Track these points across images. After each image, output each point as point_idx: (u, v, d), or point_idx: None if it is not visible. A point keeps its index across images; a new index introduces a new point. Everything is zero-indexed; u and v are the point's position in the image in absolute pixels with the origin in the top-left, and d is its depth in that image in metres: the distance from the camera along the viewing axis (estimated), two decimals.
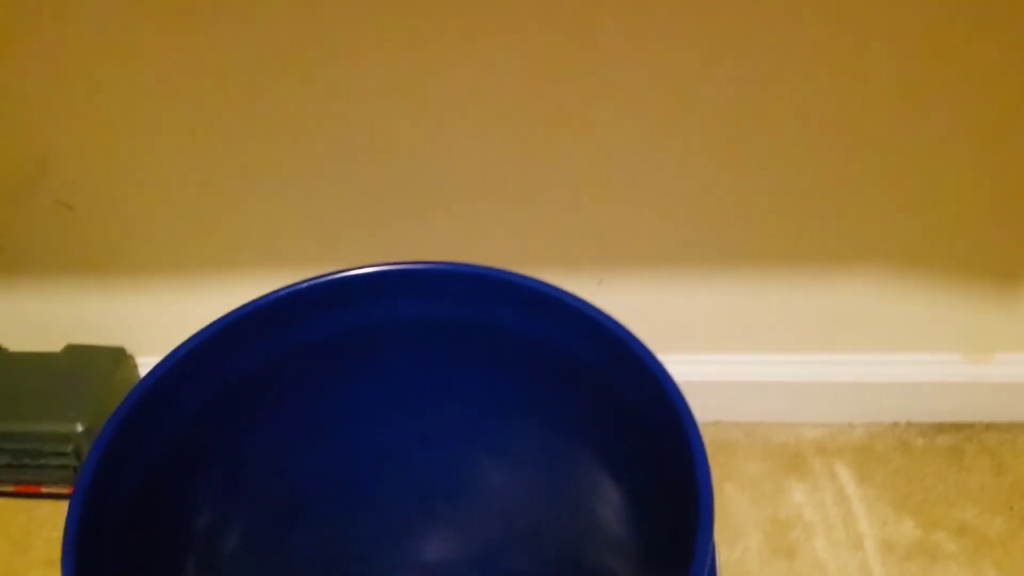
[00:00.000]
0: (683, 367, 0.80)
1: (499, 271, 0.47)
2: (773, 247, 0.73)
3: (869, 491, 0.78)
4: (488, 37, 0.61)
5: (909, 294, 0.75)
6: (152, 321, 0.80)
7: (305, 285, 0.47)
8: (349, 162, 0.68)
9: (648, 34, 0.60)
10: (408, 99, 0.64)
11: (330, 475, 0.56)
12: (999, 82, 0.62)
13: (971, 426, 0.83)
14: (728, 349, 0.81)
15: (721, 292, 0.76)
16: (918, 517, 0.76)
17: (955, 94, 0.63)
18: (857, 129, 0.65)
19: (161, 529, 0.46)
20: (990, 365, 0.80)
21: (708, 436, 0.82)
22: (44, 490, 0.79)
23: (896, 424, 0.83)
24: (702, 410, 0.82)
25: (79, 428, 0.74)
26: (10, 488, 0.79)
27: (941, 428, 0.83)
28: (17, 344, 0.82)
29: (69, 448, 0.74)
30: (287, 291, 0.47)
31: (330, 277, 0.47)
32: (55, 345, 0.81)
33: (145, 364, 0.83)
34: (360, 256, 0.73)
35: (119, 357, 0.80)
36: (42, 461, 0.75)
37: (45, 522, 0.78)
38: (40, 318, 0.81)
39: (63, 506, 0.79)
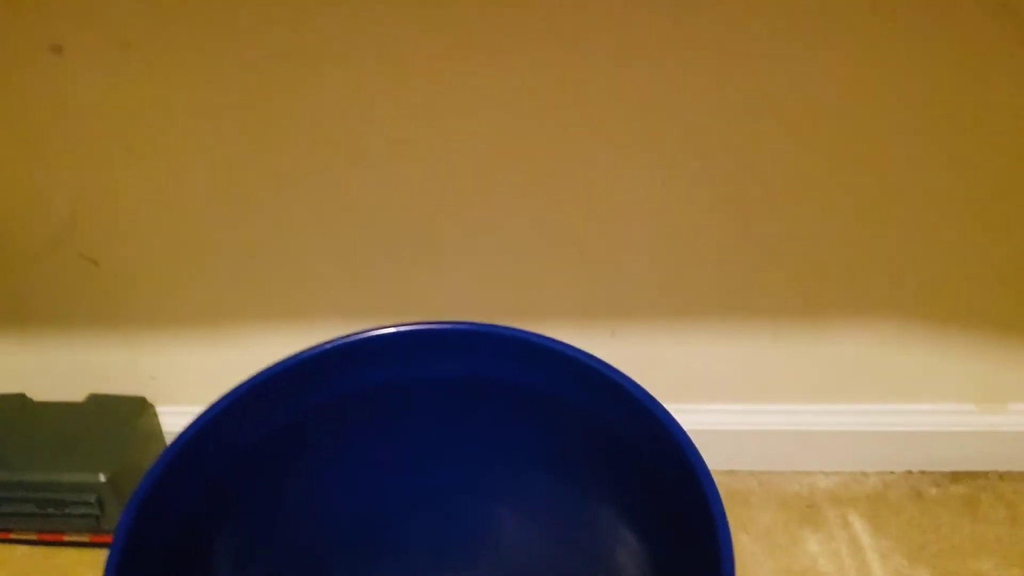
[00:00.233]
0: (697, 416, 0.82)
1: (508, 329, 0.49)
2: (785, 299, 0.74)
3: (883, 541, 0.78)
4: (496, 105, 0.63)
5: (921, 345, 0.76)
6: (173, 372, 0.82)
7: (328, 347, 0.48)
8: (364, 220, 0.70)
9: (662, 91, 0.62)
10: (420, 158, 0.66)
11: (350, 528, 0.57)
12: (1013, 137, 0.63)
13: (985, 475, 0.83)
14: (741, 399, 0.81)
15: (734, 343, 0.76)
16: (934, 568, 0.76)
17: (967, 148, 0.64)
18: (869, 184, 0.66)
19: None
20: (1003, 415, 0.80)
21: (722, 485, 0.83)
22: (66, 538, 0.80)
23: (910, 473, 0.84)
24: (716, 459, 0.83)
25: (102, 478, 0.75)
26: (33, 536, 0.80)
27: (955, 477, 0.83)
28: (40, 393, 0.84)
29: (92, 498, 0.75)
30: (309, 353, 0.48)
31: (352, 338, 0.49)
32: (78, 395, 0.83)
33: (166, 413, 0.84)
34: (378, 309, 0.75)
35: (141, 407, 0.82)
36: (65, 510, 0.76)
37: (67, 570, 0.79)
38: (63, 368, 0.83)
39: (85, 554, 0.80)
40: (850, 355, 0.78)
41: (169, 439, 0.84)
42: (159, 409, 0.84)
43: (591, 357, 0.48)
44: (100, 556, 0.80)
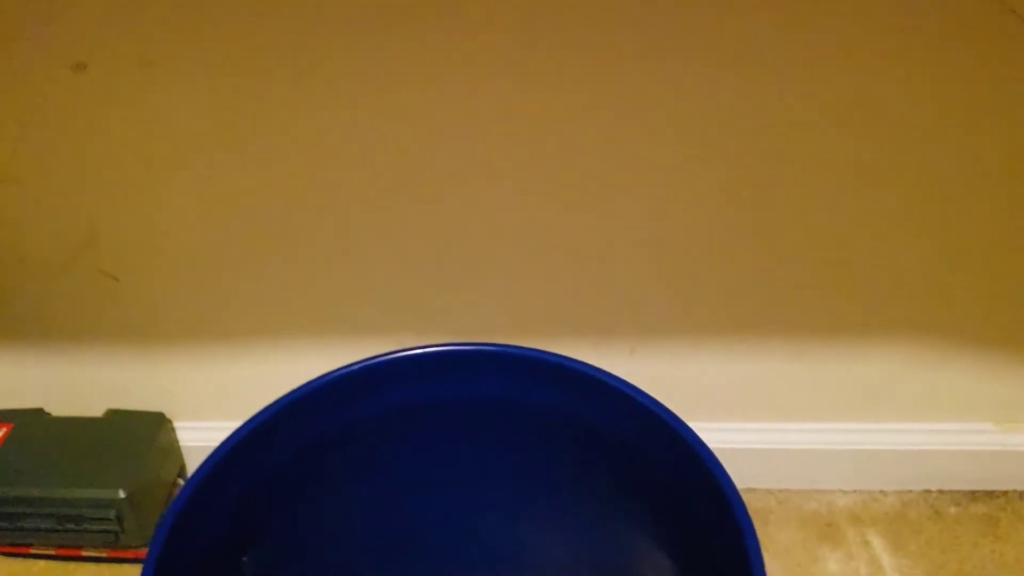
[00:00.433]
0: (716, 435, 0.81)
1: (534, 352, 0.49)
2: (805, 317, 0.74)
3: (903, 561, 0.78)
4: (512, 115, 0.63)
5: (939, 364, 0.76)
6: (191, 388, 0.82)
7: (354, 368, 0.48)
8: (387, 237, 0.70)
9: (681, 102, 0.62)
10: (439, 178, 0.66)
11: (375, 546, 0.57)
12: None
13: (1004, 494, 0.83)
14: (760, 417, 0.81)
15: (753, 361, 0.76)
16: None
17: (996, 163, 0.64)
18: (891, 201, 0.66)
19: None
20: (1022, 434, 0.80)
21: None
22: (85, 553, 0.80)
23: (928, 492, 0.83)
24: (735, 478, 0.83)
25: (121, 494, 0.75)
26: (52, 551, 0.80)
27: (974, 496, 0.83)
28: (59, 408, 0.84)
29: (111, 514, 0.75)
30: (332, 376, 0.48)
31: (379, 359, 0.49)
32: (96, 410, 0.83)
33: (184, 428, 0.84)
34: (397, 327, 0.75)
35: (159, 422, 0.82)
36: (84, 525, 0.77)
37: None
38: (82, 383, 0.83)
39: (103, 569, 0.80)
40: (868, 374, 0.78)
41: (187, 455, 0.85)
42: (177, 424, 0.84)
43: (623, 382, 0.48)
44: (119, 571, 0.80)
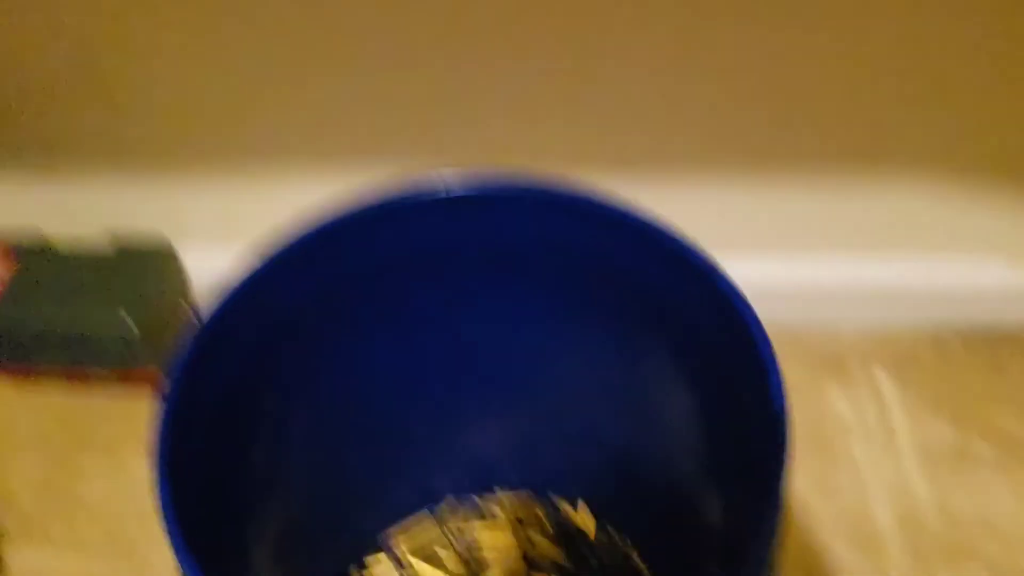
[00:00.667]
0: (726, 269, 0.81)
1: (563, 188, 0.47)
2: (823, 148, 0.72)
3: (908, 395, 0.79)
4: None
5: (961, 198, 0.75)
6: (200, 214, 0.80)
7: (380, 203, 0.47)
8: (400, 49, 0.67)
9: None
10: None
11: (392, 381, 0.57)
12: None
13: (1012, 331, 0.83)
14: (772, 252, 0.80)
15: (768, 194, 0.75)
16: (956, 422, 0.77)
17: None
18: (909, 24, 0.63)
19: (233, 433, 0.47)
20: None
21: None
22: (93, 377, 0.80)
23: (936, 328, 0.84)
24: None
25: (129, 318, 0.75)
26: (63, 379, 0.80)
27: (982, 333, 0.83)
28: (59, 232, 0.82)
29: (120, 339, 0.75)
30: (350, 213, 0.46)
31: (398, 196, 0.47)
32: (99, 235, 0.81)
33: (190, 255, 0.83)
34: (412, 150, 0.73)
35: (165, 248, 0.81)
36: (92, 350, 0.77)
37: (96, 410, 0.80)
38: (84, 207, 0.81)
39: (117, 404, 0.80)
40: (883, 207, 0.76)
41: (195, 279, 0.84)
42: (184, 249, 0.83)
43: (647, 216, 0.46)
44: (131, 405, 0.80)
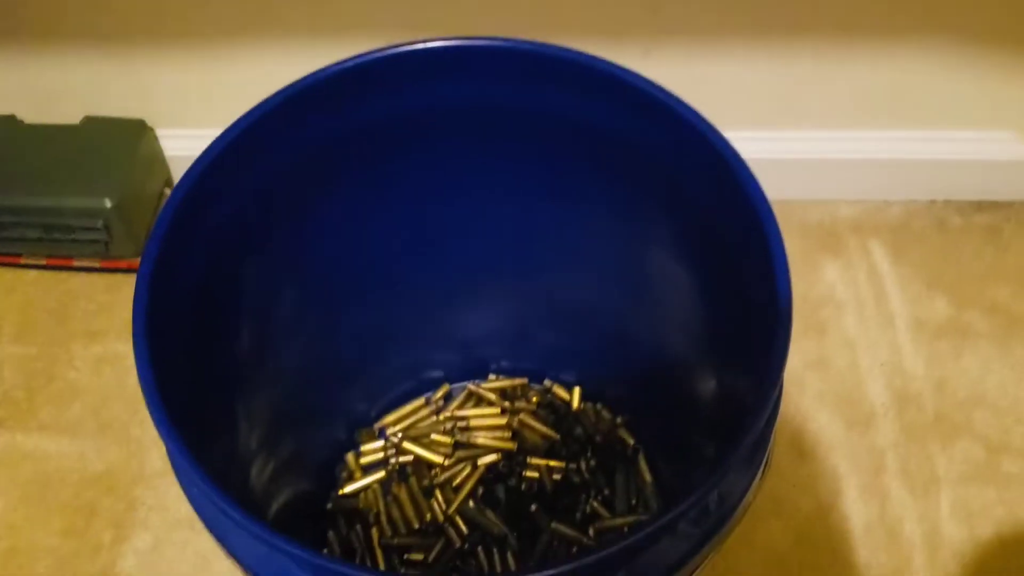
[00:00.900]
0: None
1: (563, 49, 0.44)
2: (827, 16, 0.69)
3: (903, 270, 0.78)
4: None
5: (965, 67, 0.72)
6: (173, 92, 0.77)
7: (351, 64, 0.44)
8: None
9: None
10: None
11: (383, 256, 0.55)
12: None
13: (1010, 205, 0.82)
14: (771, 125, 0.78)
15: (771, 65, 0.72)
16: (951, 296, 0.76)
17: None
18: None
19: (218, 308, 0.46)
20: None
21: None
22: (76, 264, 0.78)
23: (934, 202, 0.82)
24: None
25: (108, 203, 0.73)
26: (43, 261, 0.79)
27: (980, 207, 0.82)
28: (32, 115, 0.79)
29: (99, 223, 0.73)
30: (341, 66, 0.43)
31: (376, 55, 0.44)
32: (72, 117, 0.78)
33: (166, 136, 0.80)
34: (395, 20, 0.69)
35: (141, 129, 0.78)
36: (72, 236, 0.75)
37: (79, 294, 0.79)
38: (56, 88, 0.78)
39: (95, 279, 0.79)
40: (891, 77, 0.74)
41: (172, 163, 0.81)
42: (159, 132, 0.80)
43: (648, 82, 0.44)
44: (111, 280, 0.79)
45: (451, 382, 0.70)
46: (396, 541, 0.62)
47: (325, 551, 0.63)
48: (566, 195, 0.52)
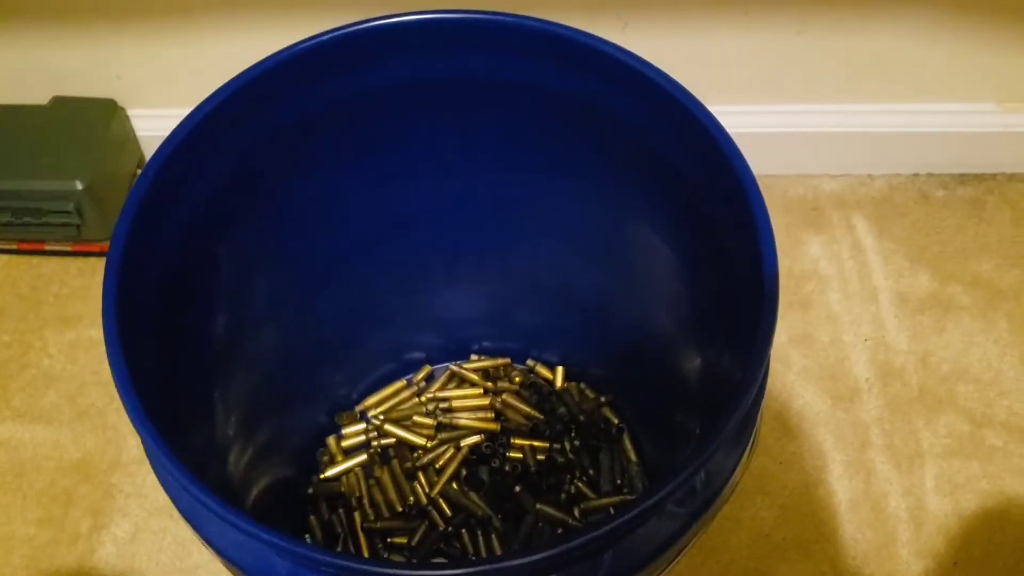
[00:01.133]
0: None
1: (541, 22, 0.43)
2: None
3: (886, 244, 0.77)
4: None
5: (948, 39, 0.71)
6: (142, 72, 0.75)
7: (325, 38, 0.43)
8: None
9: None
10: None
11: (360, 235, 0.54)
12: None
13: (993, 177, 0.81)
14: (755, 99, 0.77)
15: (755, 36, 0.71)
16: (934, 270, 0.76)
17: None
18: None
19: (192, 292, 0.45)
20: (1022, 114, 0.77)
21: None
22: (48, 247, 0.77)
23: (917, 176, 0.82)
24: None
25: (79, 186, 0.71)
26: (13, 246, 0.77)
27: (963, 180, 0.81)
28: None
29: (70, 206, 0.72)
30: (313, 41, 0.42)
31: (352, 28, 0.43)
32: (39, 97, 0.77)
33: (137, 117, 0.79)
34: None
35: (111, 110, 0.76)
36: (43, 219, 0.73)
37: (52, 279, 0.77)
38: (22, 68, 0.76)
39: (68, 263, 0.78)
40: (875, 49, 0.73)
41: (144, 144, 0.80)
42: (131, 113, 0.78)
43: (633, 56, 0.43)
44: (84, 264, 0.77)
45: (433, 363, 0.69)
46: (379, 524, 0.62)
47: (307, 536, 0.62)
48: (547, 170, 0.51)
